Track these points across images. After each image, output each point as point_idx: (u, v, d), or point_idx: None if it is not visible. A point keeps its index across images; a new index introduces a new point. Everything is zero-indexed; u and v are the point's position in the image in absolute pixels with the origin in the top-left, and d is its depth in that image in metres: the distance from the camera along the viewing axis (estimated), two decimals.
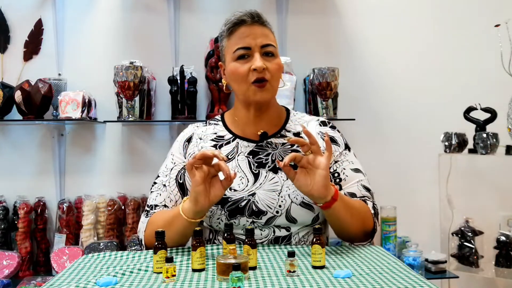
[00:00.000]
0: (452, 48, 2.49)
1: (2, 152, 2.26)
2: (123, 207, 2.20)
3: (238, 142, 1.38)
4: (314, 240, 1.09)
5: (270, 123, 1.39)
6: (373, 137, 2.45)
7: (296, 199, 1.29)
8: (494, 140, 2.13)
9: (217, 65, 2.17)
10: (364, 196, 1.35)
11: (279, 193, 1.30)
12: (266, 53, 1.31)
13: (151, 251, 1.17)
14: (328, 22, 2.44)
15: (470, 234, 2.22)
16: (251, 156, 1.35)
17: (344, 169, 1.37)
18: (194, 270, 1.09)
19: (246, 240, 1.09)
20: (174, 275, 1.02)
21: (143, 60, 2.15)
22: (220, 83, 2.17)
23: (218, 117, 1.48)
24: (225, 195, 1.28)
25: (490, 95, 2.30)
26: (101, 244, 2.06)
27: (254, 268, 1.08)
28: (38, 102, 2.05)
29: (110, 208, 2.16)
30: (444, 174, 2.35)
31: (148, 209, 1.37)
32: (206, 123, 1.47)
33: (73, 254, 2.04)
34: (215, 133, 1.41)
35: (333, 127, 1.45)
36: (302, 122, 1.44)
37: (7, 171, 2.26)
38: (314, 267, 1.09)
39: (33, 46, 2.26)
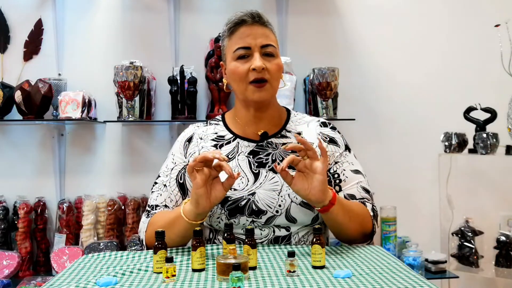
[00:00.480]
0: (452, 48, 2.49)
1: (2, 152, 2.26)
2: (123, 207, 2.20)
3: (238, 142, 1.38)
4: (314, 240, 1.09)
5: (271, 123, 1.39)
6: (373, 137, 2.45)
7: (296, 198, 1.29)
8: (494, 140, 2.13)
9: (217, 65, 2.18)
10: (363, 198, 1.36)
11: (279, 193, 1.30)
12: (266, 54, 1.31)
13: (151, 251, 1.17)
14: (328, 22, 2.44)
15: (470, 234, 2.22)
16: (251, 156, 1.36)
17: (344, 170, 1.37)
18: (194, 270, 1.09)
19: (246, 240, 1.09)
20: (174, 275, 1.02)
21: (143, 60, 2.15)
22: (220, 83, 2.17)
23: (219, 117, 1.48)
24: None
25: (490, 95, 2.30)
26: (101, 244, 2.06)
27: (254, 268, 1.08)
28: (38, 102, 2.05)
29: (110, 208, 2.16)
30: (444, 174, 2.36)
31: (149, 209, 1.38)
32: (206, 123, 1.47)
33: (73, 254, 2.04)
34: (216, 133, 1.42)
35: (333, 128, 1.45)
36: (303, 122, 1.44)
37: (7, 171, 2.26)
38: (314, 267, 1.09)
39: (33, 46, 2.26)
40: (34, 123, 2.23)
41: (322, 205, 1.18)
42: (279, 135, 1.39)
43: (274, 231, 1.31)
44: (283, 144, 1.37)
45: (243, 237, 1.27)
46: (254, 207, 1.29)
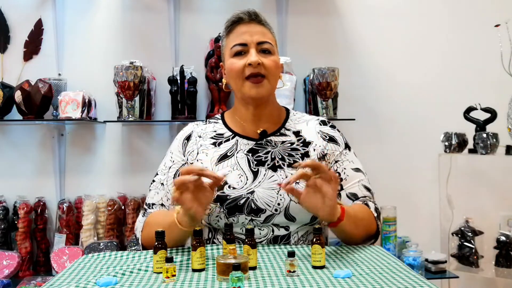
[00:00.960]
0: (452, 48, 2.49)
1: (2, 152, 2.26)
2: (123, 207, 2.20)
3: (237, 140, 1.39)
4: (314, 240, 1.09)
5: (270, 121, 1.40)
6: (373, 137, 2.45)
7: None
8: (494, 140, 2.13)
9: (217, 65, 2.18)
10: (365, 197, 1.36)
11: (278, 191, 1.30)
12: (263, 50, 1.33)
13: (151, 251, 1.17)
14: (328, 22, 2.44)
15: (470, 234, 2.22)
16: (250, 154, 1.36)
17: (344, 168, 1.38)
18: (194, 270, 1.09)
19: (246, 240, 1.09)
20: (174, 275, 1.02)
21: (143, 60, 2.16)
22: (220, 83, 2.17)
23: (218, 115, 1.49)
24: (223, 192, 1.29)
25: (490, 95, 2.30)
26: (101, 244, 2.06)
27: (254, 268, 1.08)
28: (38, 102, 2.05)
29: (110, 208, 2.16)
30: (444, 174, 2.35)
31: (145, 207, 1.39)
32: (206, 121, 1.48)
33: (73, 254, 2.04)
34: (215, 131, 1.42)
35: (333, 127, 1.45)
36: (302, 121, 1.44)
37: (7, 171, 2.26)
38: (314, 267, 1.09)
39: (33, 46, 2.26)
40: (34, 123, 2.23)
41: (331, 221, 1.20)
42: (278, 134, 1.40)
43: (273, 231, 1.31)
44: (283, 142, 1.37)
45: (242, 236, 1.28)
46: (253, 205, 1.29)
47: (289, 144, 1.37)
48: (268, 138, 1.38)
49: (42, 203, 2.17)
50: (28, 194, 2.20)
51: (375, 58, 2.46)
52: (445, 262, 2.22)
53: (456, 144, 2.24)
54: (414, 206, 2.44)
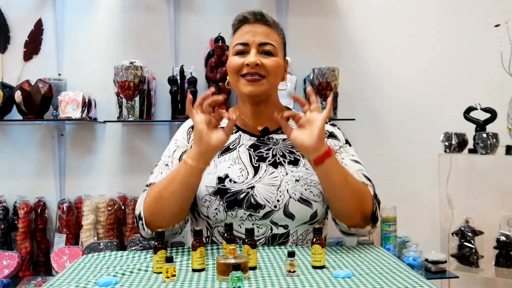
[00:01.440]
0: (452, 48, 2.49)
1: (2, 152, 2.26)
2: (123, 207, 2.20)
3: (240, 134, 1.41)
4: (314, 240, 1.09)
5: (271, 119, 1.40)
6: (373, 137, 2.45)
7: (295, 194, 1.29)
8: (494, 140, 2.12)
9: (217, 65, 2.18)
10: (364, 183, 1.33)
11: (278, 188, 1.30)
12: (264, 52, 1.34)
13: (151, 251, 1.17)
14: (328, 22, 2.44)
15: (470, 234, 2.22)
16: (252, 149, 1.37)
17: (342, 159, 1.38)
18: (194, 270, 1.09)
19: (246, 240, 1.09)
20: (174, 275, 1.02)
21: (143, 60, 2.15)
22: (220, 83, 2.17)
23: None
24: (224, 186, 1.30)
25: (490, 95, 2.30)
26: (101, 244, 2.06)
27: (254, 268, 1.08)
28: (38, 102, 2.05)
29: (110, 208, 2.16)
30: (444, 174, 2.35)
31: (146, 187, 1.37)
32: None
33: (73, 254, 2.04)
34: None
35: (333, 125, 1.48)
36: None
37: (7, 171, 2.26)
38: (314, 267, 1.09)
39: (33, 46, 2.26)
40: (34, 123, 2.23)
41: (317, 154, 1.18)
42: (280, 131, 1.41)
43: (271, 229, 1.31)
44: (284, 140, 1.38)
45: (240, 232, 1.28)
46: (252, 200, 1.29)
47: (290, 142, 1.38)
48: (270, 135, 1.40)
49: (42, 203, 2.17)
50: (28, 194, 2.20)
51: (375, 58, 2.46)
52: (445, 262, 2.22)
53: (456, 144, 2.24)
54: (414, 206, 2.44)
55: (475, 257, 2.19)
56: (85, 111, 2.09)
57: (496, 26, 2.17)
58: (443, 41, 2.49)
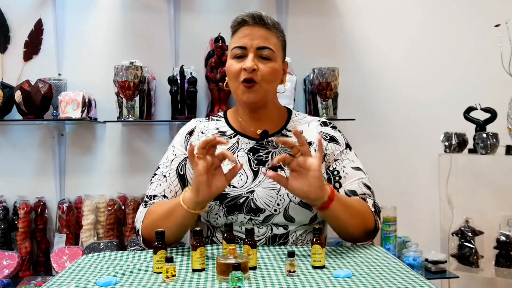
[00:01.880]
0: (452, 48, 2.49)
1: (2, 152, 2.26)
2: (123, 207, 2.20)
3: (239, 138, 1.40)
4: (314, 240, 1.09)
5: (270, 122, 1.40)
6: (373, 137, 2.45)
7: (295, 198, 1.29)
8: (494, 140, 2.12)
9: (217, 65, 2.18)
10: (364, 194, 1.35)
11: (278, 192, 1.30)
12: (262, 56, 1.32)
13: (151, 251, 1.17)
14: (328, 22, 2.44)
15: (470, 234, 2.22)
16: (251, 153, 1.36)
17: (344, 167, 1.37)
18: (194, 270, 1.09)
19: (246, 240, 1.09)
20: (174, 275, 1.02)
21: (143, 60, 2.15)
22: (220, 83, 2.17)
23: (221, 113, 1.50)
24: (223, 191, 1.29)
25: (490, 95, 2.30)
26: (101, 244, 2.06)
27: (254, 268, 1.08)
28: (38, 102, 2.05)
29: (110, 208, 2.16)
30: (444, 174, 2.35)
31: (147, 199, 1.37)
32: (208, 118, 1.48)
33: (73, 254, 2.04)
34: (217, 129, 1.43)
35: (334, 127, 1.45)
36: (304, 122, 1.44)
37: (7, 171, 2.26)
38: (314, 267, 1.09)
39: (33, 46, 2.26)
40: (34, 123, 2.23)
41: (322, 202, 1.16)
42: (280, 134, 1.40)
43: (271, 229, 1.31)
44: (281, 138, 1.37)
45: (241, 234, 1.28)
46: (252, 205, 1.29)
47: None
48: (269, 139, 1.39)
49: (42, 203, 2.17)
50: (28, 194, 2.20)
51: (375, 58, 2.46)
52: (445, 262, 2.22)
53: (456, 144, 2.24)
54: (414, 206, 2.44)
55: (475, 257, 2.19)
56: (85, 111, 2.09)
57: (496, 26, 2.17)
58: (443, 41, 2.49)
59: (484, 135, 2.13)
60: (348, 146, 1.43)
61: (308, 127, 1.43)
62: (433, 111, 2.47)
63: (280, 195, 1.30)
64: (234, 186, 1.31)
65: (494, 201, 2.42)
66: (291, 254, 1.03)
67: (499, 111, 2.19)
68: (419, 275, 1.03)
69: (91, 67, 2.29)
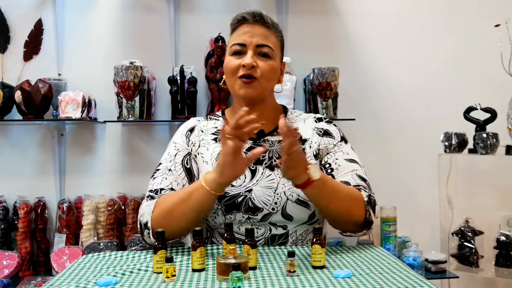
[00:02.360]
0: (452, 48, 2.49)
1: (2, 152, 2.26)
2: (123, 207, 2.20)
3: None
4: (314, 240, 1.09)
5: (267, 120, 1.40)
6: (373, 137, 2.45)
7: (292, 196, 1.29)
8: (494, 140, 2.12)
9: (217, 65, 2.18)
10: (359, 185, 1.32)
11: (275, 190, 1.30)
12: (261, 54, 1.33)
13: (151, 251, 1.17)
14: (328, 22, 2.44)
15: (470, 234, 2.22)
16: (248, 153, 1.36)
17: (336, 159, 1.36)
18: (194, 270, 1.09)
19: (246, 240, 1.09)
20: (174, 275, 1.02)
21: (143, 60, 2.15)
22: (220, 83, 2.17)
23: (219, 113, 1.51)
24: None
25: (490, 95, 2.30)
26: (101, 244, 2.06)
27: (254, 268, 1.08)
28: (38, 102, 2.05)
29: (110, 208, 2.16)
30: (444, 174, 2.35)
31: (151, 194, 1.33)
32: (207, 118, 1.49)
33: (73, 254, 2.04)
34: (216, 127, 1.44)
35: (329, 122, 1.46)
36: (299, 119, 1.45)
37: (7, 171, 2.26)
38: (314, 267, 1.09)
39: (33, 46, 2.26)
40: (34, 123, 2.23)
41: (302, 181, 1.16)
42: (276, 133, 1.40)
43: (270, 230, 1.31)
44: (279, 141, 1.37)
45: (240, 234, 1.28)
46: (250, 204, 1.29)
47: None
48: (265, 138, 1.39)
49: (42, 203, 2.17)
50: (28, 194, 2.20)
51: (375, 58, 2.46)
52: (445, 262, 2.22)
53: (456, 144, 2.23)
54: (414, 206, 2.44)
55: (475, 257, 2.19)
56: (85, 111, 2.09)
57: (496, 26, 2.16)
58: (443, 41, 2.49)
59: (484, 135, 2.13)
60: (343, 139, 1.42)
61: (304, 124, 1.43)
62: (433, 111, 2.46)
63: (277, 194, 1.30)
64: (232, 185, 1.31)
65: (494, 201, 2.42)
66: (291, 254, 1.03)
67: (499, 111, 2.19)
68: (419, 275, 1.03)
69: (91, 67, 2.29)
